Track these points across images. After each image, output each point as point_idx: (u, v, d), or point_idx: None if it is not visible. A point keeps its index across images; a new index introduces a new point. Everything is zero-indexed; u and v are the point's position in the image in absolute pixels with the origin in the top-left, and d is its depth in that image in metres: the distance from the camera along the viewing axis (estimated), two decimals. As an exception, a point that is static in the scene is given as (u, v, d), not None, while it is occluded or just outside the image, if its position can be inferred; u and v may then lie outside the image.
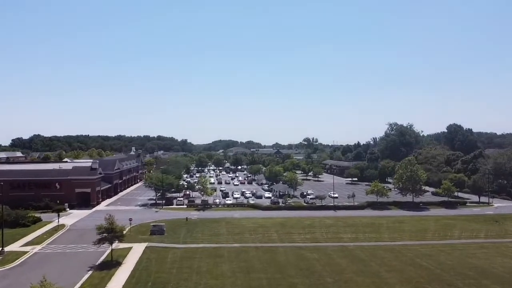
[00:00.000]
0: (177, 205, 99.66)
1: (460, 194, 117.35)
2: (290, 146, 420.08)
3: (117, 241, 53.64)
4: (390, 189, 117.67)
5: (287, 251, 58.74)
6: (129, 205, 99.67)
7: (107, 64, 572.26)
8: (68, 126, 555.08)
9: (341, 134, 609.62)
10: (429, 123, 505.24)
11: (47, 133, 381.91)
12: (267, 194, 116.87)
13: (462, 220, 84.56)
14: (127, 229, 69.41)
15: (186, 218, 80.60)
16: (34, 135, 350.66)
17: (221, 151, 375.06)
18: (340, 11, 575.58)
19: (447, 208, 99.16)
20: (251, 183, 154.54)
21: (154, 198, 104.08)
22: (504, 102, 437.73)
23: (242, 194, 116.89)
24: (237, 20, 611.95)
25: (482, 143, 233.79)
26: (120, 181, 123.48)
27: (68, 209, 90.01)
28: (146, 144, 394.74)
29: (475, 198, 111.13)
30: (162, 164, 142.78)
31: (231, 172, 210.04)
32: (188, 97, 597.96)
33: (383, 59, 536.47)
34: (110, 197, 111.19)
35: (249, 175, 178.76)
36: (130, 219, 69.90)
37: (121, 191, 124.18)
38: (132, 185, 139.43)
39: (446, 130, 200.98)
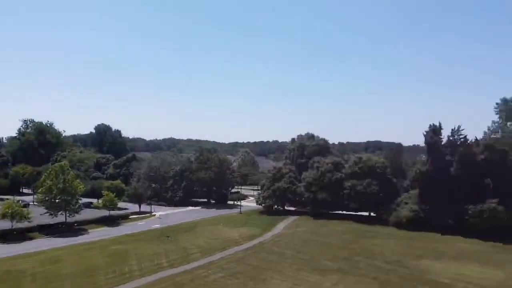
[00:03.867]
0: None
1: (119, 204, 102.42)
2: None
3: None
4: (28, 204, 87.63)
5: None
6: None
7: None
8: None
9: None
10: (72, 123, 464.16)
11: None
12: None
13: (131, 241, 67.21)
14: None
15: None
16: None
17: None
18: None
19: (109, 225, 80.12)
20: None
21: None
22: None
23: None
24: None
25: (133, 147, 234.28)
26: None
27: None
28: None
29: (133, 207, 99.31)
30: None
31: None
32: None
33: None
34: None
35: None
36: None
37: None
38: None
39: (94, 131, 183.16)
